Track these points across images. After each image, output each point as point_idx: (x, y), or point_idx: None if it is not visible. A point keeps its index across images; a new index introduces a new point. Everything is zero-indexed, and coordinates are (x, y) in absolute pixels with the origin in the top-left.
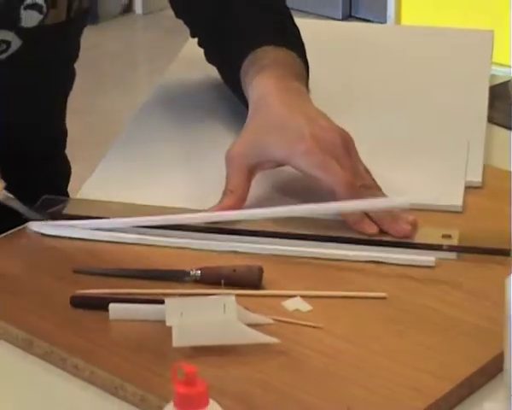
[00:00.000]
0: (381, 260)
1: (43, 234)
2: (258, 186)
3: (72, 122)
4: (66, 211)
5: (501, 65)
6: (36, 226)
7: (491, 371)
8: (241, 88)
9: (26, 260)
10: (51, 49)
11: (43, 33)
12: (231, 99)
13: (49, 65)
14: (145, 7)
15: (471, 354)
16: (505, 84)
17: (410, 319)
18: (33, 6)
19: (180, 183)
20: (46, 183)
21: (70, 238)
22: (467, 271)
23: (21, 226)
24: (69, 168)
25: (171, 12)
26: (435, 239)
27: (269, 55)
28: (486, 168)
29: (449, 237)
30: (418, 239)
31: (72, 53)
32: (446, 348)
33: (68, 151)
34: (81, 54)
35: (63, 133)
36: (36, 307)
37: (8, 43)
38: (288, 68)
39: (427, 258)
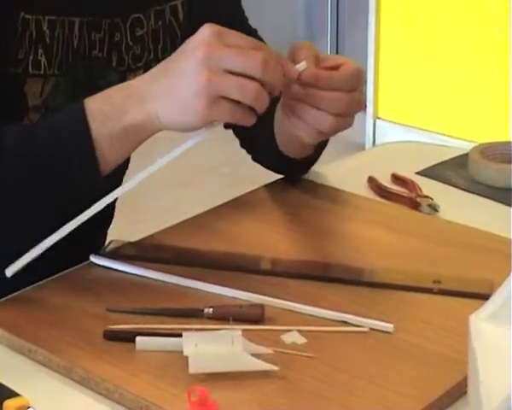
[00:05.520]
0: (347, 320)
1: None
2: None
3: None
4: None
5: (461, 139)
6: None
7: (456, 393)
8: None
9: (68, 301)
10: None
11: None
12: None
13: None
14: None
15: (439, 379)
16: (465, 155)
17: (387, 349)
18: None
19: None
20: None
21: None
22: (437, 309)
23: (64, 272)
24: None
25: None
26: (427, 283)
27: None
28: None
29: (439, 282)
30: (412, 283)
31: None
32: (418, 373)
33: None
34: None
35: None
36: (75, 340)
37: None
38: None
39: (387, 324)
